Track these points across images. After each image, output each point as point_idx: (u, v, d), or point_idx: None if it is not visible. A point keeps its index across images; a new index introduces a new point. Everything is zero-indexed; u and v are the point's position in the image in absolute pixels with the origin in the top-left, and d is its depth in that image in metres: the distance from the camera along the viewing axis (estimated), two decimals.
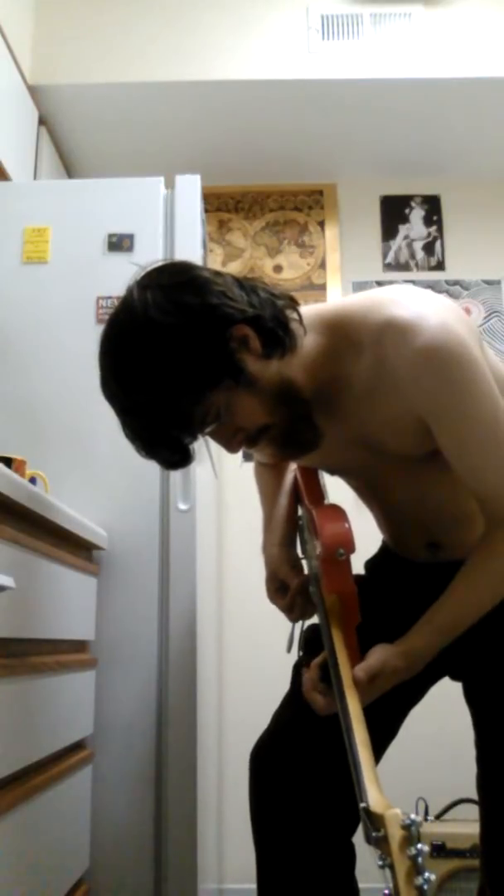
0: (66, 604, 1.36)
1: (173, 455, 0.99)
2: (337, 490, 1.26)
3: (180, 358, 0.91)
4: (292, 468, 1.32)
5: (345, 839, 1.13)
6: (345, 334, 1.00)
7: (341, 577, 1.03)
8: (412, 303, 0.97)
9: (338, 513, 1.07)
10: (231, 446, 1.01)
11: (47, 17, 2.46)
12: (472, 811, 1.21)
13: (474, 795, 1.17)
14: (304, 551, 1.23)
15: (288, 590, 1.17)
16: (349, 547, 1.02)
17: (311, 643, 1.14)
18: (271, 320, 0.96)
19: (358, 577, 1.09)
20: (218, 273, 0.98)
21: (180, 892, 1.48)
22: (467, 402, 0.94)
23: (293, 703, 1.19)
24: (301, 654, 1.17)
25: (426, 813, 2.07)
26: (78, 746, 1.45)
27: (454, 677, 1.20)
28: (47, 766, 1.24)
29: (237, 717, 2.36)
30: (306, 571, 1.19)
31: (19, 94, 2.29)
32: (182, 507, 1.67)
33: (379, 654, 0.98)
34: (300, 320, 1.00)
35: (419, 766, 2.11)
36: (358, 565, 1.17)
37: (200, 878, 1.52)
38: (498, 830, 1.11)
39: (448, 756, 1.99)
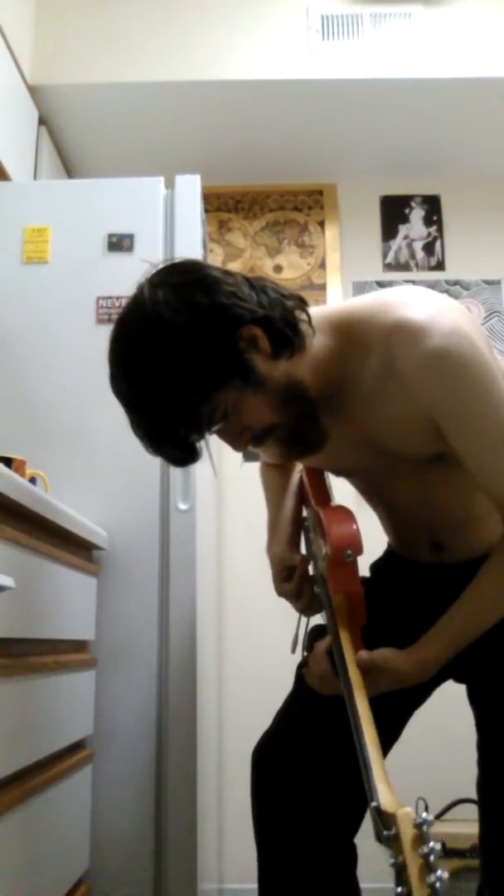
0: (66, 604, 1.36)
1: (180, 453, 0.99)
2: (339, 491, 1.26)
3: (189, 357, 0.91)
4: (298, 469, 1.32)
5: (346, 840, 1.13)
6: (353, 335, 1.00)
7: (348, 577, 1.02)
8: (422, 304, 0.97)
9: (346, 514, 1.07)
10: (237, 445, 1.01)
11: (47, 17, 2.45)
12: (473, 811, 1.20)
13: (474, 795, 1.17)
14: (308, 552, 1.23)
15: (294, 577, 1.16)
16: (357, 548, 1.02)
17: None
18: (280, 321, 0.97)
19: (363, 579, 1.09)
20: (228, 273, 0.98)
21: (180, 892, 1.48)
22: (478, 404, 0.94)
23: (296, 704, 1.19)
24: (305, 654, 1.17)
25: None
26: (78, 746, 1.45)
27: (458, 680, 1.19)
28: (47, 766, 1.24)
29: (237, 716, 2.36)
30: (311, 572, 1.19)
31: (19, 94, 2.29)
32: (182, 507, 1.67)
33: (386, 651, 0.98)
34: (309, 321, 1.00)
35: (419, 766, 2.11)
36: (363, 568, 1.17)
37: (200, 878, 1.52)
38: (498, 832, 1.10)
39: (448, 756, 1.99)
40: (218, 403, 0.94)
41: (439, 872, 0.58)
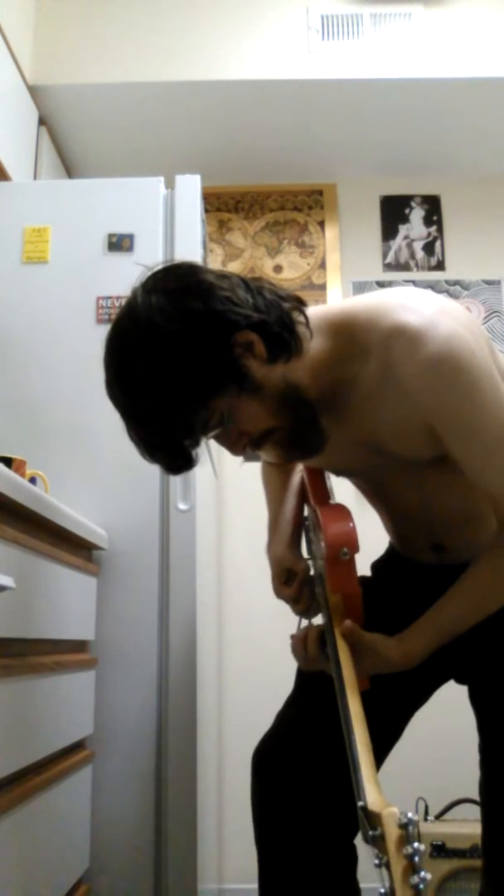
0: (66, 604, 1.36)
1: (176, 459, 0.99)
2: (340, 490, 1.26)
3: (184, 364, 0.91)
4: (299, 468, 1.32)
5: (346, 841, 1.13)
6: (352, 337, 1.00)
7: (345, 576, 1.02)
8: (421, 308, 0.96)
9: (343, 512, 1.06)
10: (235, 449, 1.00)
11: (47, 17, 2.46)
12: (472, 811, 1.21)
13: (474, 795, 1.17)
14: (309, 552, 1.23)
15: (294, 580, 1.16)
16: (353, 546, 1.01)
17: None
18: (277, 324, 0.96)
19: (364, 578, 1.09)
20: (223, 276, 0.97)
21: (180, 892, 1.48)
22: (474, 411, 0.94)
23: (296, 705, 1.19)
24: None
25: (426, 813, 2.06)
26: (78, 746, 1.45)
27: (459, 681, 1.19)
28: (47, 766, 1.24)
29: (237, 716, 2.36)
30: (312, 572, 1.19)
31: (19, 94, 2.29)
32: (182, 507, 1.67)
33: (376, 634, 0.99)
34: (306, 323, 1.00)
35: (419, 766, 2.11)
36: (364, 566, 1.16)
37: (200, 878, 1.52)
38: (499, 835, 1.10)
39: (448, 756, 1.99)
40: (214, 410, 0.94)
41: (423, 874, 0.57)
